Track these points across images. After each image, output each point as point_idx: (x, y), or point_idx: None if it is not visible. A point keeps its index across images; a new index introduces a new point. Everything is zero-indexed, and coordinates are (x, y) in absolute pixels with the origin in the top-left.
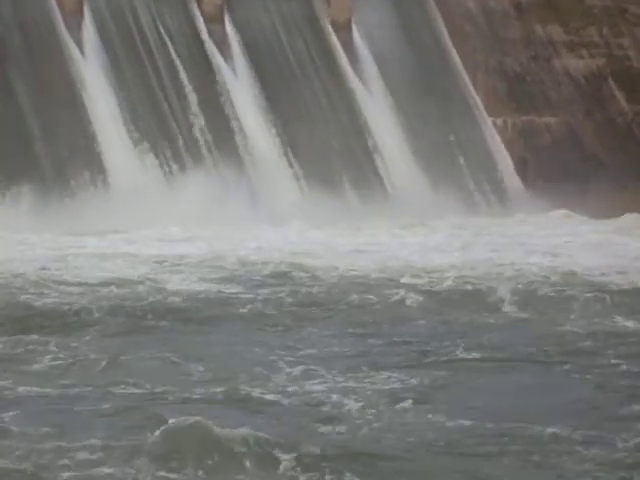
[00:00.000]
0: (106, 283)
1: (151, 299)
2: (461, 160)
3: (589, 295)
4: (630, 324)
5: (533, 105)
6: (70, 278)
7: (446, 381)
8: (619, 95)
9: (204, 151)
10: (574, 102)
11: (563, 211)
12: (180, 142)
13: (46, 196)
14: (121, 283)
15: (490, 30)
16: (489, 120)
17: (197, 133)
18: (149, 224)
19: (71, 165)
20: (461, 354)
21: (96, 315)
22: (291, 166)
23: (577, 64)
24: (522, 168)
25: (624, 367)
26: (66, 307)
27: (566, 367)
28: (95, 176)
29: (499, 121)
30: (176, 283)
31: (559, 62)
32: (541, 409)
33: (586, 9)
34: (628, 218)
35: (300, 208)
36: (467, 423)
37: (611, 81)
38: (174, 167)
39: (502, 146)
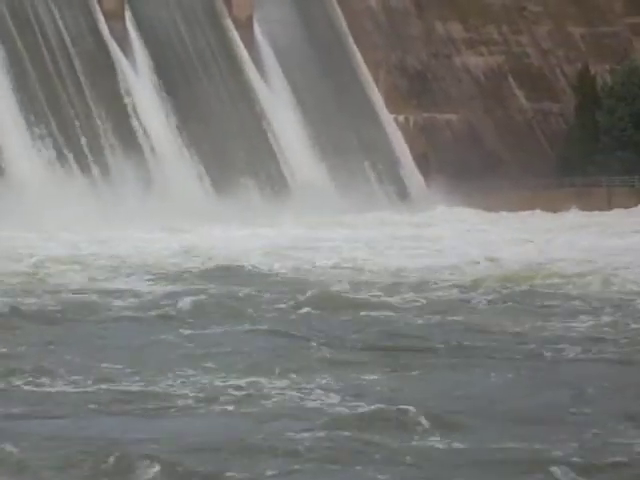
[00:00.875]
0: None
1: None
2: (363, 157)
3: None
4: None
5: (434, 102)
6: None
7: None
8: (519, 93)
9: (106, 150)
10: (474, 99)
11: (459, 207)
12: (80, 140)
13: None
14: None
15: (391, 27)
16: (391, 117)
17: (98, 130)
18: (38, 221)
19: None
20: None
21: None
22: (193, 162)
23: (477, 61)
24: (423, 164)
25: None
26: None
27: None
28: None
29: (400, 118)
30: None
31: (459, 59)
32: None
33: (485, 7)
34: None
35: (202, 206)
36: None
37: (511, 79)
38: (74, 166)
39: (403, 142)
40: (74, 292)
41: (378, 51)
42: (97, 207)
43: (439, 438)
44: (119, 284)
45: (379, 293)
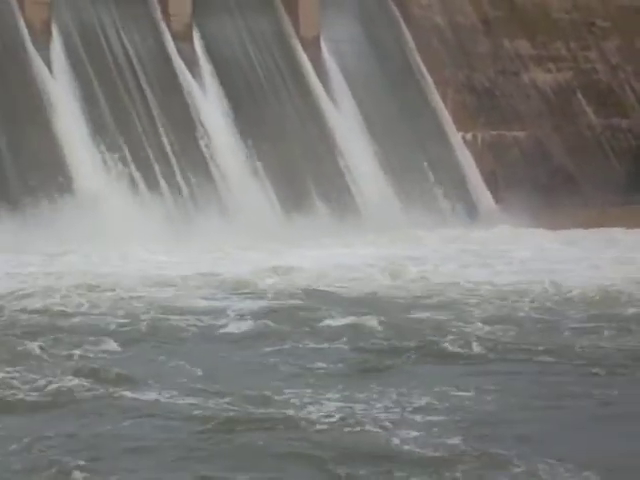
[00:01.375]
0: None
1: None
2: (431, 175)
3: None
4: None
5: (502, 119)
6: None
7: None
8: (588, 109)
9: (175, 169)
10: (542, 116)
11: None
12: (150, 161)
13: (14, 216)
14: None
15: (458, 45)
16: (458, 135)
17: (167, 151)
18: (116, 241)
19: (39, 182)
20: None
21: None
22: (261, 182)
23: (545, 78)
24: (491, 182)
25: None
26: None
27: None
28: (66, 194)
29: (468, 136)
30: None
31: (527, 76)
32: None
33: (553, 23)
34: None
35: (271, 226)
36: None
37: (579, 95)
38: (143, 185)
39: (472, 160)
40: (168, 312)
41: (445, 69)
42: (167, 226)
43: None
44: (211, 302)
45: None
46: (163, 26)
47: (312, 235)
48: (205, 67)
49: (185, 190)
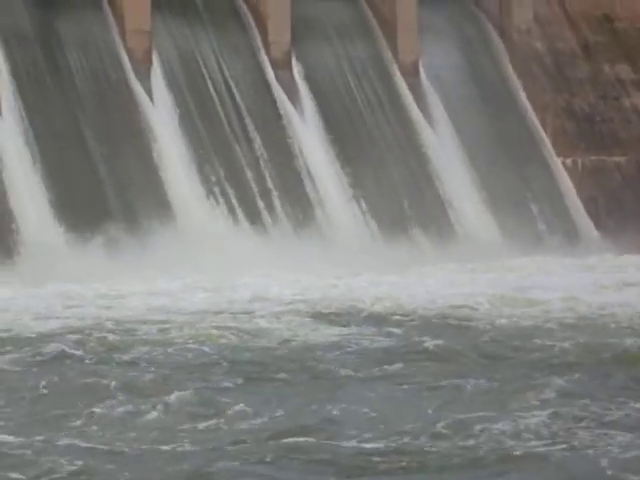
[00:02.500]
0: None
1: None
2: (530, 201)
3: None
4: None
5: (602, 144)
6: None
7: None
8: None
9: (274, 196)
10: None
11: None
12: (249, 187)
13: (114, 242)
14: None
15: (558, 70)
16: (558, 160)
17: (266, 179)
18: (217, 270)
19: (141, 211)
20: None
21: None
22: (360, 209)
23: None
24: (592, 209)
25: None
26: None
27: None
28: (165, 223)
29: (568, 161)
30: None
31: (628, 101)
32: None
33: None
34: None
35: (369, 252)
36: None
37: None
38: (243, 213)
39: (571, 186)
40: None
41: (545, 94)
42: (267, 253)
43: None
44: (338, 330)
45: None
46: (262, 54)
47: (411, 262)
48: (304, 94)
49: (282, 215)
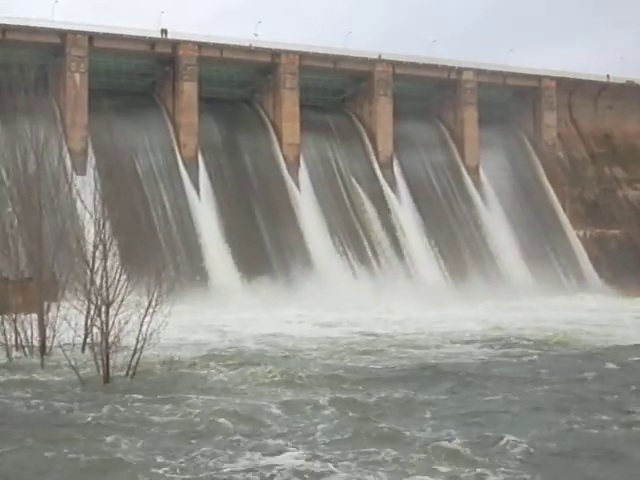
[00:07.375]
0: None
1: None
2: (554, 259)
3: None
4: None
5: (604, 222)
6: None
7: None
8: None
9: (380, 252)
10: (632, 220)
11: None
12: (363, 247)
13: (274, 284)
14: None
15: (573, 171)
16: (574, 232)
17: (376, 240)
18: (344, 307)
19: (292, 263)
20: None
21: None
22: (438, 263)
23: (634, 194)
24: (597, 264)
25: None
26: None
27: None
28: (307, 270)
29: (580, 232)
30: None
31: (621, 192)
32: None
33: (639, 156)
34: None
35: (442, 292)
36: None
37: None
38: (361, 268)
39: (582, 249)
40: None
41: (564, 187)
42: (374, 292)
43: None
44: (454, 349)
45: None
46: (373, 158)
47: (469, 299)
48: (401, 186)
49: (386, 265)
